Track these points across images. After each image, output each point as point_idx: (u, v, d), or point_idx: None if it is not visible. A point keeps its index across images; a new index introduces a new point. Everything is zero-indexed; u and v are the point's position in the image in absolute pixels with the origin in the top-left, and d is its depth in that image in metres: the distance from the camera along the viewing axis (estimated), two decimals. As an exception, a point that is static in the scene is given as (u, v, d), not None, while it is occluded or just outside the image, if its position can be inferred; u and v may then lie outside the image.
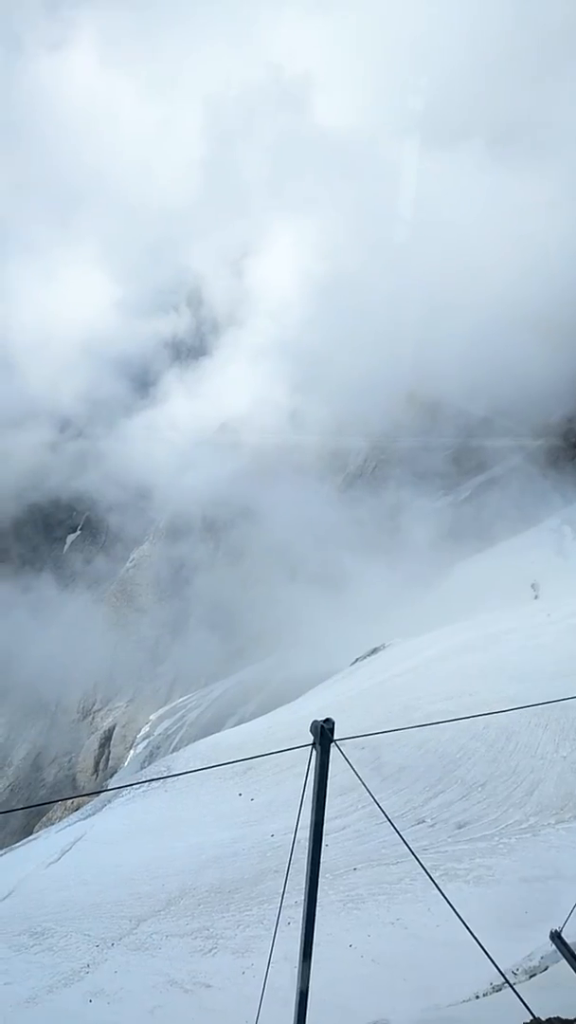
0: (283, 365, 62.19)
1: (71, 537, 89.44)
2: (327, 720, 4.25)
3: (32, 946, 11.87)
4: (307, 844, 4.64)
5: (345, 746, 4.70)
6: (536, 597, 25.80)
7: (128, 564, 72.29)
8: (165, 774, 17.79)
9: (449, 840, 12.59)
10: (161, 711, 50.22)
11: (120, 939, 11.47)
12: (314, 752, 4.33)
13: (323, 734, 4.27)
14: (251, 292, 67.00)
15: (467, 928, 4.99)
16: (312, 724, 4.26)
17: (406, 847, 12.30)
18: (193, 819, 14.96)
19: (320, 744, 4.30)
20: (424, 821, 13.17)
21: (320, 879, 11.34)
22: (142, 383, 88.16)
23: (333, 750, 4.42)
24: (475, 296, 51.46)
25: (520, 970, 9.61)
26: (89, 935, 11.85)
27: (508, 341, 48.96)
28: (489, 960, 4.70)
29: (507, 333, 49.19)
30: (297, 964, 4.88)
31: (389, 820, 6.43)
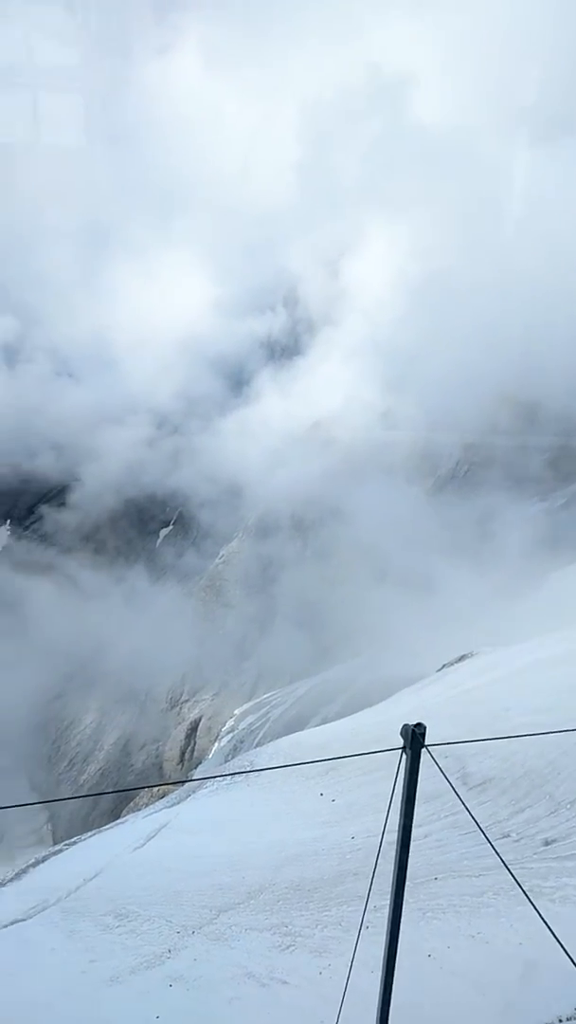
0: (376, 364, 61.82)
1: (164, 531, 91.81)
2: (418, 724, 4.22)
3: (117, 927, 12.27)
4: (392, 849, 4.61)
5: (427, 756, 4.64)
6: None
7: (217, 560, 73.51)
8: (249, 768, 18.03)
9: (535, 857, 12.23)
10: (246, 706, 50.86)
11: (200, 928, 11.70)
12: (404, 756, 4.31)
13: (414, 738, 4.24)
14: (346, 291, 66.91)
15: (562, 947, 4.84)
16: (403, 728, 4.23)
17: (489, 860, 12.03)
18: (274, 815, 15.10)
19: (411, 748, 4.27)
20: (509, 835, 12.84)
21: (400, 885, 11.09)
22: (236, 382, 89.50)
23: (423, 756, 4.38)
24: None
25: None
26: (171, 921, 12.15)
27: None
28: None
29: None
30: (377, 971, 4.88)
31: (482, 831, 6.34)
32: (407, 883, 12.04)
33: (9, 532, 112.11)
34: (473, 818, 12.29)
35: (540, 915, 5.51)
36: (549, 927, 5.02)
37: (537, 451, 50.13)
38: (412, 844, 13.46)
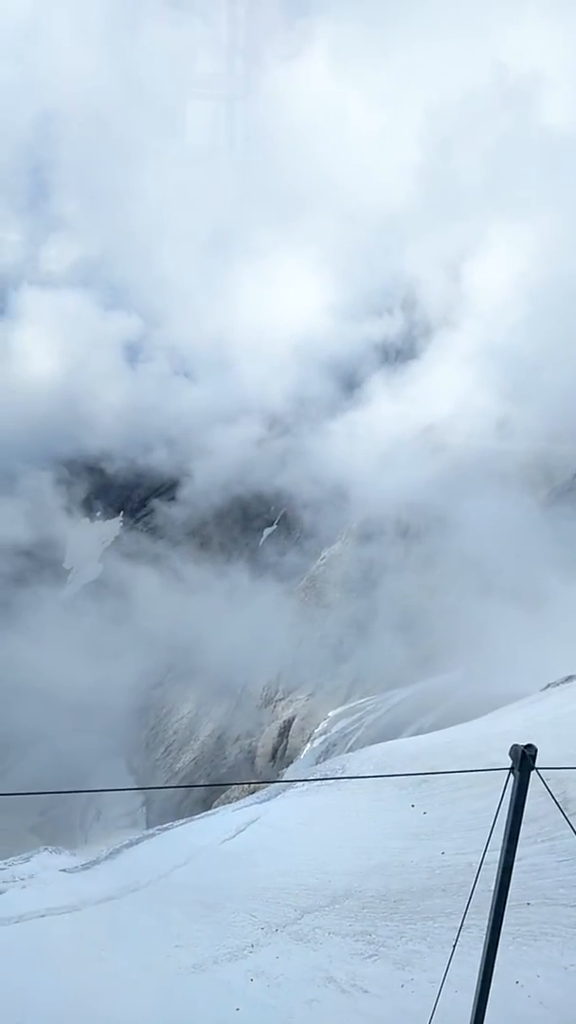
0: (494, 370, 60.27)
1: (268, 530, 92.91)
2: (528, 746, 4.09)
3: (203, 916, 12.47)
4: (485, 870, 4.48)
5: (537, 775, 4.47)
6: None
7: (319, 561, 73.68)
8: (342, 774, 17.94)
9: None
10: (340, 709, 50.70)
11: (284, 926, 11.71)
12: (511, 777, 4.19)
13: (524, 760, 4.10)
14: (465, 295, 65.61)
15: None
16: (512, 748, 4.12)
17: (587, 892, 11.45)
18: (363, 822, 14.95)
19: (520, 770, 4.15)
20: (610, 868, 12.18)
21: (489, 909, 10.84)
22: (349, 384, 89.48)
23: (532, 777, 4.25)
24: None
25: None
26: (255, 916, 12.23)
27: None
28: None
29: None
30: (462, 991, 4.74)
31: None
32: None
33: (122, 524, 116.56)
34: (571, 825, 11.75)
35: None
36: None
37: None
38: (507, 866, 12.78)
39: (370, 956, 10.50)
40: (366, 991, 9.52)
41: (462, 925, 7.73)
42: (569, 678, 24.04)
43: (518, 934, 10.83)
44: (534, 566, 46.65)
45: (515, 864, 13.26)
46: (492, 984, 10.07)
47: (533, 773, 4.15)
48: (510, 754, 4.13)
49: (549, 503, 53.13)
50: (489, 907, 4.62)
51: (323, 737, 46.24)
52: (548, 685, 24.55)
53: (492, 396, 59.71)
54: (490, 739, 19.15)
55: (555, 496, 53.42)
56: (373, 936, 11.16)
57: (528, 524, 51.34)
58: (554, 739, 17.40)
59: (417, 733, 29.22)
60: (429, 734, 24.42)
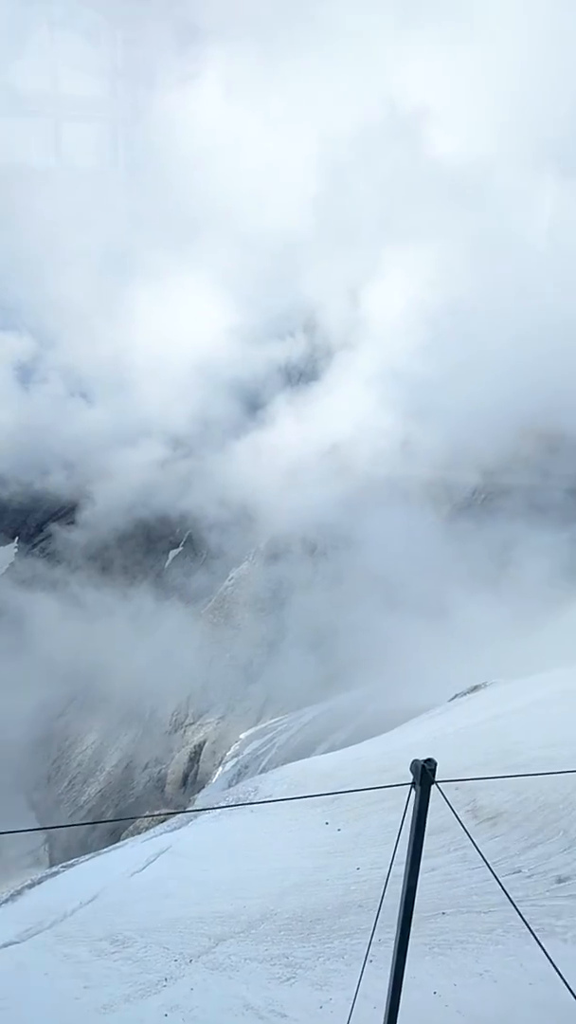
0: (395, 392, 61.89)
1: (173, 552, 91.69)
2: (428, 760, 4.11)
3: (112, 953, 11.93)
4: (397, 882, 4.46)
5: (441, 786, 4.48)
6: None
7: (227, 582, 73.27)
8: (253, 798, 17.67)
9: (547, 894, 11.83)
10: (252, 730, 50.31)
11: (199, 956, 11.35)
12: (412, 792, 4.19)
13: (424, 774, 4.11)
14: (364, 319, 67.27)
15: (570, 989, 4.59)
16: (412, 763, 4.13)
17: (499, 896, 11.64)
18: (277, 843, 14.74)
19: (420, 784, 4.15)
20: (520, 871, 12.44)
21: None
22: (252, 406, 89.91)
23: (432, 791, 4.27)
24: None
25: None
26: (168, 948, 11.80)
27: None
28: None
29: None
30: (380, 1006, 4.68)
31: (489, 867, 6.08)
32: (413, 919, 11.62)
33: (16, 550, 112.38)
34: (481, 855, 11.94)
35: (548, 955, 5.23)
36: (556, 968, 4.80)
37: (558, 480, 49.96)
38: (420, 877, 13.03)
39: (287, 979, 10.30)
40: (284, 1015, 9.31)
41: (371, 940, 7.72)
42: (474, 688, 24.69)
43: (434, 944, 10.86)
44: (437, 581, 47.94)
45: (429, 874, 13.42)
46: (411, 996, 10.03)
47: (434, 787, 4.18)
48: (411, 769, 4.15)
49: (450, 520, 54.82)
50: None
51: (235, 760, 45.71)
52: (455, 696, 25.13)
53: (394, 417, 61.33)
54: (400, 752, 19.34)
55: (456, 513, 55.20)
56: (290, 959, 10.96)
57: (431, 540, 52.78)
58: (461, 748, 17.77)
59: (330, 750, 29.27)
60: (341, 750, 24.49)
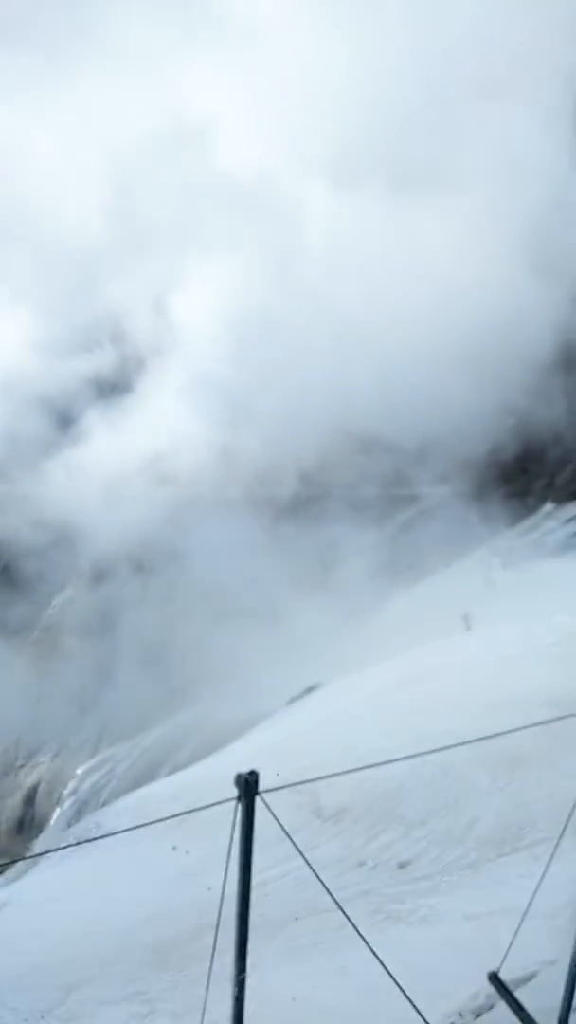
0: (209, 400, 62.00)
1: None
2: (251, 772, 4.13)
3: (-48, 1027, 10.98)
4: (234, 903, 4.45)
5: (280, 792, 4.52)
6: (468, 629, 26.10)
7: (50, 609, 69.97)
8: (95, 834, 16.97)
9: (391, 881, 12.37)
10: (89, 764, 48.22)
11: (50, 1011, 10.73)
12: (239, 807, 4.19)
13: (247, 786, 4.13)
14: (173, 328, 66.95)
15: (390, 975, 4.76)
16: (236, 777, 4.13)
17: (349, 890, 12.01)
18: (125, 877, 14.27)
19: (245, 798, 4.16)
20: (365, 863, 12.91)
21: (260, 931, 10.93)
22: (63, 421, 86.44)
23: (272, 797, 4.28)
24: (395, 333, 52.86)
25: (466, 1011, 9.40)
26: (16, 1009, 11.04)
27: (432, 377, 50.33)
28: (425, 1009, 4.52)
29: (430, 369, 50.56)
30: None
31: (313, 870, 6.27)
32: (267, 927, 11.73)
33: None
34: (307, 862, 12.26)
35: (368, 946, 5.45)
36: (377, 956, 5.00)
37: (373, 480, 52.49)
38: (270, 886, 13.21)
39: (145, 1016, 10.03)
40: (144, 1056, 9.03)
41: (212, 963, 7.68)
42: (310, 689, 25.35)
43: (289, 950, 11.00)
44: (267, 587, 48.68)
45: (279, 882, 13.53)
46: (269, 1007, 10.07)
47: (267, 796, 4.22)
48: (235, 783, 4.16)
49: (274, 525, 55.88)
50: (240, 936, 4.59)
51: (73, 797, 43.68)
52: (292, 699, 25.65)
53: (211, 425, 61.43)
54: (242, 763, 19.38)
55: (279, 518, 56.36)
56: (148, 994, 10.66)
57: (257, 546, 53.50)
58: (301, 750, 18.16)
59: (174, 771, 28.76)
60: (185, 770, 24.19)
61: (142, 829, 14.73)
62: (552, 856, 8.65)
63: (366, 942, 5.49)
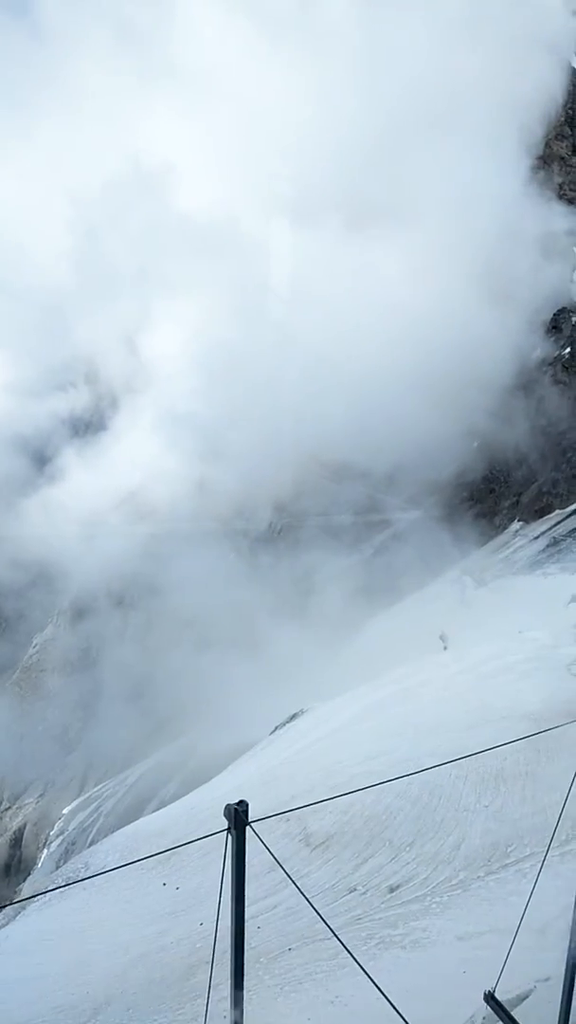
0: (183, 435, 62.41)
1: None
2: (240, 802, 4.18)
3: None
4: (230, 936, 4.50)
5: (268, 821, 4.60)
6: (445, 648, 26.34)
7: (32, 649, 69.24)
8: (84, 874, 16.79)
9: (382, 906, 12.40)
10: (75, 803, 47.51)
11: (43, 1061, 10.59)
12: (229, 838, 4.25)
13: (236, 817, 4.19)
14: (145, 367, 67.47)
15: (392, 1005, 4.85)
16: (225, 808, 4.18)
17: (341, 918, 12.03)
18: (115, 916, 14.14)
19: (235, 828, 4.21)
20: (355, 889, 12.94)
21: (254, 964, 11.08)
22: (40, 461, 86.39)
23: (260, 826, 4.34)
24: (361, 363, 53.75)
25: (464, 1033, 9.45)
26: (8, 1061, 10.89)
27: (398, 404, 51.09)
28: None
29: (396, 397, 51.34)
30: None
31: (306, 898, 6.33)
32: (261, 960, 11.77)
33: None
34: (298, 888, 12.30)
35: (364, 970, 5.53)
36: (375, 984, 5.05)
37: (346, 506, 52.93)
38: (261, 917, 13.26)
39: (142, 1060, 9.91)
40: None
41: (209, 999, 7.67)
42: (294, 716, 25.31)
43: (285, 982, 10.96)
44: (247, 615, 48.63)
45: (270, 913, 13.53)
46: (266, 1043, 9.98)
47: (256, 826, 4.25)
48: (224, 814, 4.21)
49: (251, 555, 55.99)
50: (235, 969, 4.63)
51: (60, 838, 42.96)
52: (276, 727, 25.58)
53: (185, 459, 61.71)
54: (229, 795, 19.32)
55: (256, 547, 56.52)
56: (142, 1037, 10.57)
57: (235, 576, 53.53)
58: (287, 779, 18.16)
59: (161, 806, 28.48)
60: (171, 805, 23.98)
61: (132, 866, 14.67)
62: (540, 872, 8.82)
63: (364, 970, 5.56)
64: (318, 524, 53.03)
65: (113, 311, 69.07)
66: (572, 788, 5.64)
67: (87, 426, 76.25)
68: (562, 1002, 5.95)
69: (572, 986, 5.91)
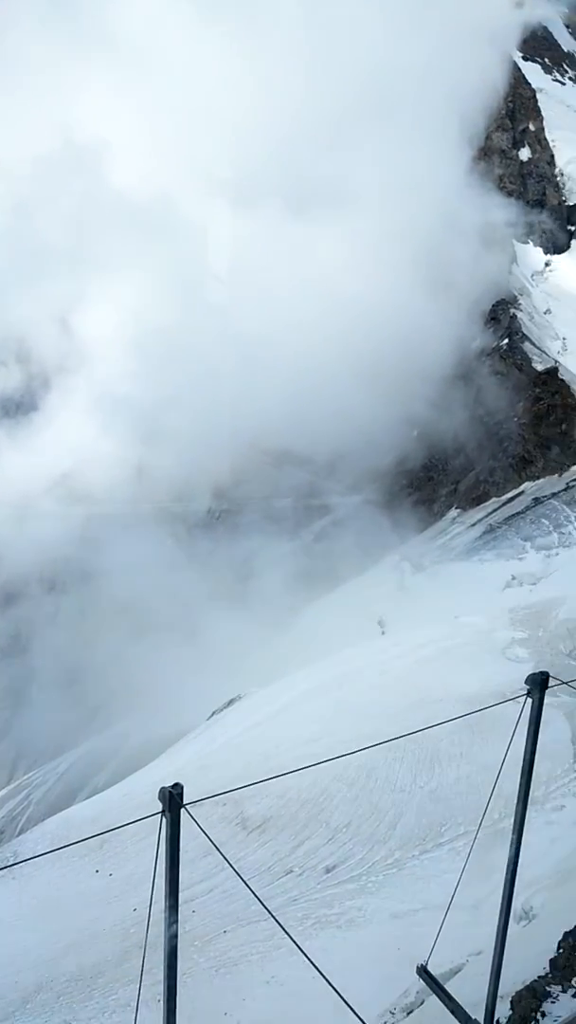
0: (120, 417, 61.14)
1: None
2: (175, 785, 4.12)
3: None
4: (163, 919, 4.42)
5: (204, 805, 4.50)
6: (383, 632, 26.63)
7: (-41, 638, 67.27)
8: (13, 860, 16.37)
9: (318, 887, 12.46)
10: (3, 791, 46.39)
11: (-29, 1052, 10.30)
12: (164, 821, 4.18)
13: (171, 800, 4.12)
14: (79, 348, 65.80)
15: (329, 983, 4.82)
16: (160, 791, 4.12)
17: (278, 900, 12.03)
18: (47, 905, 13.81)
19: (170, 811, 4.15)
20: (292, 871, 12.96)
21: (190, 947, 10.93)
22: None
23: (197, 810, 4.26)
24: (301, 350, 53.63)
25: (398, 1008, 9.57)
26: None
27: (339, 392, 51.27)
28: (360, 1009, 4.58)
29: (337, 384, 51.52)
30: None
31: (240, 876, 6.26)
32: (196, 943, 11.65)
33: None
34: (235, 871, 12.27)
35: (301, 949, 5.49)
36: (313, 963, 5.03)
37: (286, 492, 52.95)
38: (197, 901, 13.12)
39: (74, 1046, 9.73)
40: None
41: (141, 985, 7.55)
42: (231, 701, 25.22)
43: (220, 964, 10.92)
44: (184, 600, 48.25)
45: (207, 896, 13.42)
46: (202, 1022, 9.94)
47: (191, 808, 4.20)
48: (159, 797, 4.15)
49: (189, 539, 55.53)
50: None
51: (-12, 828, 41.93)
52: (214, 713, 25.46)
53: (122, 442, 60.54)
54: (165, 780, 19.09)
55: (194, 532, 56.08)
56: (73, 1022, 10.38)
57: (173, 561, 53.00)
58: (224, 763, 18.07)
59: (93, 794, 28.01)
60: (105, 792, 23.61)
61: (63, 854, 14.35)
62: (471, 850, 8.94)
63: (300, 948, 5.50)
64: (258, 509, 52.92)
65: (45, 289, 66.91)
66: (503, 768, 5.71)
67: (17, 406, 74.05)
68: (492, 974, 6.06)
69: (502, 958, 6.02)
